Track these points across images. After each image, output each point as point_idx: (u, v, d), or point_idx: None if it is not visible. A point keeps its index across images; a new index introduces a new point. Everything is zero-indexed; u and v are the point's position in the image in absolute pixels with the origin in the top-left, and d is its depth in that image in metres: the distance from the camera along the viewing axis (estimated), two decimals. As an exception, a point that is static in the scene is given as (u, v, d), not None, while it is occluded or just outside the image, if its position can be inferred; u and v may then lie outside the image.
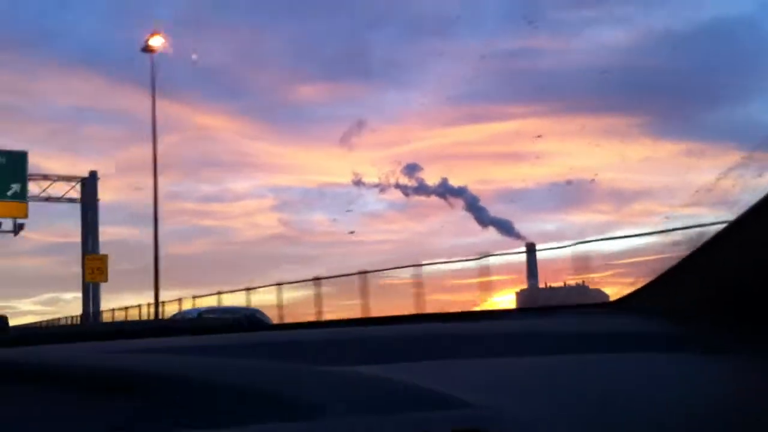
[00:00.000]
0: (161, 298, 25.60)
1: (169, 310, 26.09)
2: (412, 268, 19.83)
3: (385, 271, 21.00)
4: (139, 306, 30.30)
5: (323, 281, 22.28)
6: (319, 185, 57.03)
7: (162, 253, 25.46)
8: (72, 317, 36.41)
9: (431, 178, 42.56)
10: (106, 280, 29.61)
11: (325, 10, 55.10)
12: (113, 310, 32.99)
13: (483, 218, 41.87)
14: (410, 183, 42.64)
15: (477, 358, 1.33)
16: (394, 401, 1.04)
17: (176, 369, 1.11)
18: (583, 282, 18.10)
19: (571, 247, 16.81)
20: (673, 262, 1.51)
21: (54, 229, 43.97)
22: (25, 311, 44.90)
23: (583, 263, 16.43)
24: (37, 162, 33.28)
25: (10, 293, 50.62)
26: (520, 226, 39.27)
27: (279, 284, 23.59)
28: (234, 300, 24.51)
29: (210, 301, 24.75)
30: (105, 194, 30.54)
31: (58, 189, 30.41)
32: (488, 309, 9.33)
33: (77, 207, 30.60)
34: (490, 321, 1.76)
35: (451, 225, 48.29)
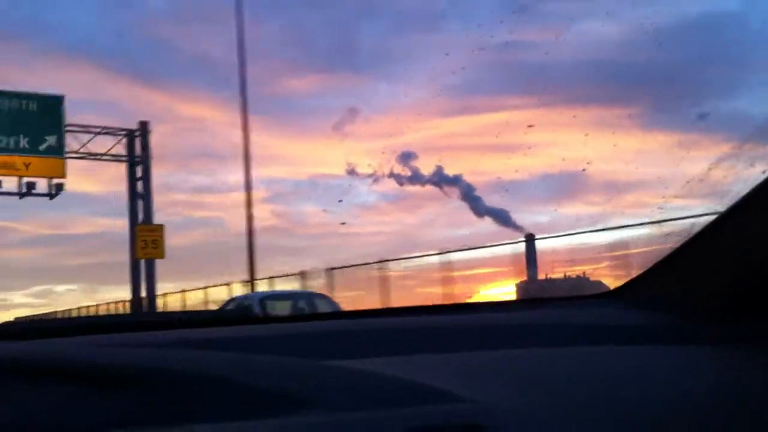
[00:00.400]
0: (165, 291, 25.17)
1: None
2: (407, 260, 20.62)
3: (389, 262, 21.05)
4: (205, 288, 27.80)
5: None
6: (311, 176, 55.24)
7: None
8: (117, 302, 31.58)
9: (425, 168, 40.85)
10: (163, 256, 23.88)
11: (316, 0, 53.42)
12: (165, 294, 28.11)
13: (479, 208, 39.93)
14: (404, 172, 40.71)
15: (471, 350, 1.33)
16: (388, 396, 1.05)
17: (168, 363, 1.11)
18: (584, 273, 18.42)
19: (570, 237, 17.17)
20: (667, 253, 1.51)
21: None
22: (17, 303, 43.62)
23: (582, 254, 16.85)
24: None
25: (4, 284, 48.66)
26: (514, 218, 37.43)
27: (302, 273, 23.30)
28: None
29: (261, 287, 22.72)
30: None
31: (99, 145, 24.41)
32: (483, 301, 9.46)
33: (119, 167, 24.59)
34: (485, 313, 1.74)
35: (445, 216, 47.31)
